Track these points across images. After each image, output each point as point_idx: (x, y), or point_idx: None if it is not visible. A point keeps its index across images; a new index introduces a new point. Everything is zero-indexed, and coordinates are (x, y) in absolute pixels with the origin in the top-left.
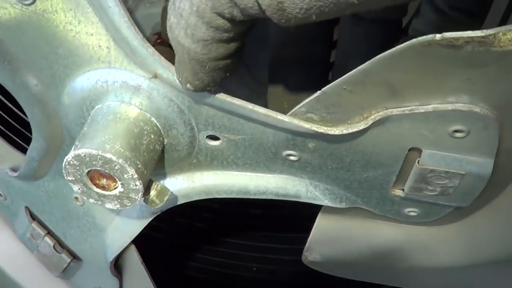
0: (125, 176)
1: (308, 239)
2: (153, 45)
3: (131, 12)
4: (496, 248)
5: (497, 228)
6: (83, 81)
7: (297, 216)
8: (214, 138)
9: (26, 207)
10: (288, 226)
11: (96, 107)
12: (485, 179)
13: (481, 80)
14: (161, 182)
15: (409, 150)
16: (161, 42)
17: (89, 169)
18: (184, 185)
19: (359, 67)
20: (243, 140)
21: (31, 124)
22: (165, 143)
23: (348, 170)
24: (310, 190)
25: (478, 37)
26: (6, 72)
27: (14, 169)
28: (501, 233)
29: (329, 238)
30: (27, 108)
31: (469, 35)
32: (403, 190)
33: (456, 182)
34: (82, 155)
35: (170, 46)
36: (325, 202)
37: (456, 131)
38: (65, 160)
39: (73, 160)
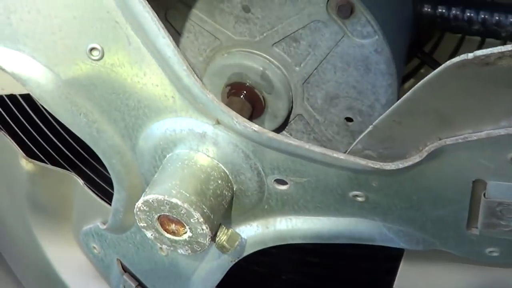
0: (192, 220)
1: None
2: (227, 96)
3: (208, 61)
4: None
5: None
6: (154, 131)
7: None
8: (282, 182)
9: (118, 259)
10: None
11: (168, 156)
12: None
13: None
14: (236, 229)
15: (474, 182)
16: (235, 93)
17: (158, 215)
18: (259, 231)
19: (404, 97)
20: (309, 183)
21: (111, 175)
22: (234, 189)
23: (418, 209)
24: (384, 232)
25: (508, 51)
26: (83, 125)
27: (104, 223)
28: None
29: (414, 284)
30: (105, 160)
31: (500, 50)
32: (477, 227)
33: None
34: (150, 200)
35: (244, 97)
36: (400, 244)
37: None
38: (135, 206)
39: (143, 206)
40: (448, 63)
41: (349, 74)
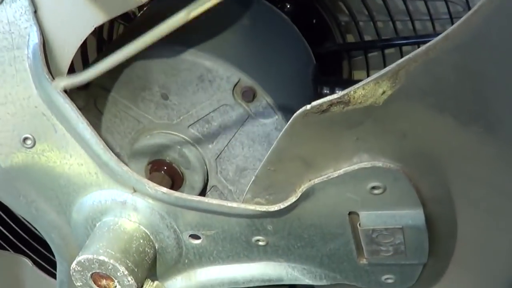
0: (118, 274)
1: None
2: (150, 172)
3: (133, 142)
4: None
5: (470, 282)
6: (83, 205)
7: None
8: (196, 237)
9: None
10: None
11: (97, 225)
12: (423, 230)
13: (368, 137)
14: (164, 283)
15: (350, 215)
16: (157, 169)
17: (91, 273)
18: (183, 284)
19: (272, 147)
20: (217, 234)
21: (52, 248)
22: (156, 247)
23: (312, 246)
24: (289, 272)
25: (335, 99)
26: (23, 205)
27: None
28: (479, 284)
29: None
30: (45, 234)
31: (329, 99)
32: (365, 257)
33: (400, 237)
34: (82, 260)
35: (164, 172)
36: (306, 281)
37: (373, 187)
38: (71, 268)
39: (77, 266)
40: (295, 114)
41: (255, 149)
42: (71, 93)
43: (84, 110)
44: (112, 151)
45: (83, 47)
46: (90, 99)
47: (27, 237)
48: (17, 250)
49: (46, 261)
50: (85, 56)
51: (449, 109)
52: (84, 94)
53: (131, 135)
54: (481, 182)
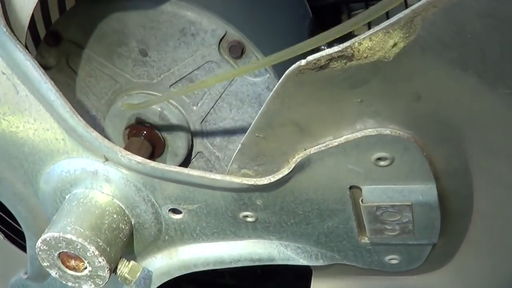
0: (88, 254)
1: None
2: (128, 137)
3: (110, 103)
4: (491, 284)
5: (484, 262)
6: (51, 175)
7: None
8: (176, 211)
9: None
10: None
11: (66, 197)
12: (435, 207)
13: (374, 99)
14: (142, 262)
15: (352, 190)
16: (135, 134)
17: (58, 252)
18: (164, 262)
19: (260, 111)
20: (200, 209)
21: (19, 222)
22: (132, 222)
23: (307, 223)
24: (281, 251)
25: (335, 52)
26: None
27: (26, 272)
28: (490, 267)
29: None
30: (11, 207)
31: (328, 53)
32: (368, 237)
33: (408, 215)
34: (48, 239)
35: (143, 137)
36: (300, 261)
37: (379, 159)
38: (36, 247)
39: (42, 245)
40: (287, 71)
41: (244, 111)
42: (41, 49)
43: (55, 69)
44: (88, 114)
45: None
46: (62, 57)
47: None
48: None
49: (17, 234)
50: (62, 3)
51: (473, 66)
52: (55, 51)
53: (108, 96)
54: (504, 153)
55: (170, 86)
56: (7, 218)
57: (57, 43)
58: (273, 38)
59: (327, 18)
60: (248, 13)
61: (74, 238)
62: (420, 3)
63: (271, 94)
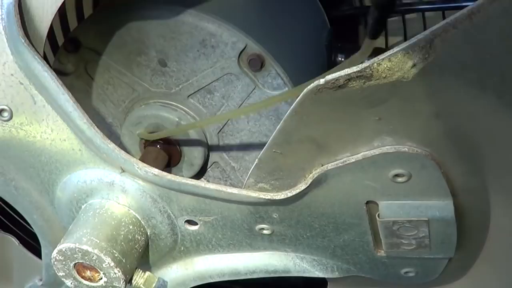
0: (104, 265)
1: None
2: (144, 146)
3: (127, 112)
4: None
5: (500, 277)
6: (67, 184)
7: None
8: (192, 223)
9: None
10: None
11: (82, 207)
12: (452, 222)
13: (392, 117)
14: (157, 272)
15: (368, 205)
16: (152, 143)
17: (73, 263)
18: (179, 273)
19: (278, 127)
20: (216, 221)
21: (35, 231)
22: (148, 233)
23: (324, 236)
24: (297, 263)
25: (354, 72)
26: (1, 183)
27: (41, 279)
28: (506, 282)
29: None
30: (27, 216)
31: (347, 73)
32: (383, 249)
33: (425, 230)
34: (64, 250)
35: (160, 147)
36: (316, 273)
37: (396, 175)
38: (51, 257)
39: (58, 255)
40: (305, 90)
41: (262, 124)
42: (59, 56)
43: (74, 75)
44: (104, 121)
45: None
46: (81, 64)
47: (13, 215)
48: (4, 229)
49: (33, 240)
50: (80, 10)
51: (492, 87)
52: (73, 58)
53: (125, 104)
54: None
55: (188, 96)
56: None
57: (76, 49)
58: (292, 50)
59: (345, 29)
60: (268, 25)
61: (90, 249)
62: (439, 24)
63: (289, 111)
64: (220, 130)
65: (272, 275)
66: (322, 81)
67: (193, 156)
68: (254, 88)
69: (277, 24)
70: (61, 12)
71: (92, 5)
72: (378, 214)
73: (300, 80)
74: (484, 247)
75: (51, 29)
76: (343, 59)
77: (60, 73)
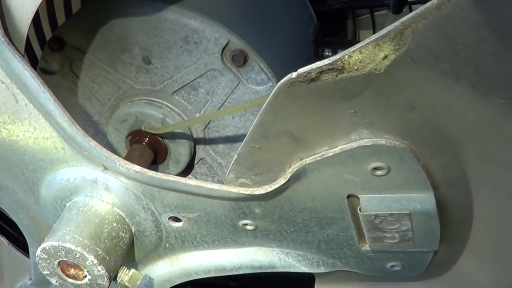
0: (87, 263)
1: None
2: (130, 144)
3: (113, 109)
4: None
5: (487, 269)
6: (51, 183)
7: None
8: (176, 219)
9: None
10: None
11: (67, 205)
12: (434, 215)
13: (368, 110)
14: (143, 269)
15: (350, 198)
16: (138, 140)
17: (57, 261)
18: (165, 270)
19: (254, 122)
20: (200, 217)
21: (22, 230)
22: (133, 230)
23: (307, 231)
24: (282, 258)
25: (326, 65)
26: None
27: (31, 278)
28: (492, 273)
29: None
30: (12, 215)
31: (318, 65)
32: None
33: (407, 224)
34: (47, 248)
35: (145, 144)
36: (301, 268)
37: (375, 168)
38: (36, 255)
39: (42, 254)
40: (279, 84)
41: (247, 119)
42: (45, 55)
43: (59, 74)
44: (91, 119)
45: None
46: (66, 62)
47: (2, 212)
48: None
49: (23, 239)
50: (68, 7)
51: (466, 77)
52: (58, 56)
53: (111, 101)
54: (502, 161)
55: (173, 93)
56: (6, 229)
57: (61, 48)
58: (277, 46)
59: (332, 23)
60: (251, 21)
61: (73, 247)
62: (410, 15)
63: (264, 105)
64: (205, 127)
65: (258, 270)
66: (294, 74)
67: (179, 153)
68: (238, 84)
69: (262, 19)
70: (50, 10)
71: (81, 3)
72: (360, 208)
73: (286, 75)
74: (469, 239)
75: (39, 28)
76: (330, 54)
77: (46, 72)
